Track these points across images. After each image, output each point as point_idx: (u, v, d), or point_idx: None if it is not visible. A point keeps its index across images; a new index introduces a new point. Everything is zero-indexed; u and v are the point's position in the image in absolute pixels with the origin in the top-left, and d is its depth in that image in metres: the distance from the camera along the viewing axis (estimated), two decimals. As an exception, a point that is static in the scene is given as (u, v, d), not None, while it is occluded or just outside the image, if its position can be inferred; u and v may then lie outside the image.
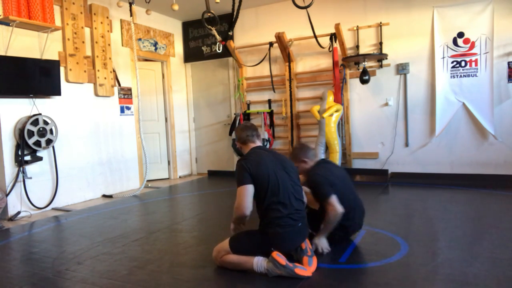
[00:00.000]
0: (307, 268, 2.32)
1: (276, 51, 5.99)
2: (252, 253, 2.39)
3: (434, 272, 2.31)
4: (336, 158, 5.36)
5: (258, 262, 2.34)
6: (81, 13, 4.95)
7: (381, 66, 5.47)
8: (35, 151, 4.40)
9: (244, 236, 2.48)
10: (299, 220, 2.43)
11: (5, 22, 4.07)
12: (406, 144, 5.44)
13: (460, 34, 5.01)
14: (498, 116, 4.89)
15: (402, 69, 5.35)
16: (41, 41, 4.50)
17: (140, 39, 6.01)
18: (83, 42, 4.99)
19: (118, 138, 5.57)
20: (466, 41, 4.98)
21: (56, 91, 4.52)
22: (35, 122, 4.30)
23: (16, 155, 4.23)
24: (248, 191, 2.40)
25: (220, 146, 6.86)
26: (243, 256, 2.40)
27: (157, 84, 6.58)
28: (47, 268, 2.67)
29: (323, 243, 2.67)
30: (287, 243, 2.39)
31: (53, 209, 4.59)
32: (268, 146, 5.89)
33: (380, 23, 5.41)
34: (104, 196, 5.27)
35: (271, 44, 5.94)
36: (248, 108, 6.39)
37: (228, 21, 6.22)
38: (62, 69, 4.72)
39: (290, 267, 2.26)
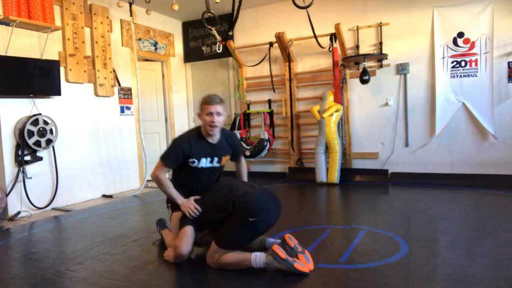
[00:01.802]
0: (305, 265, 2.32)
1: (276, 51, 5.98)
2: (241, 240, 2.41)
3: (434, 272, 2.31)
4: (336, 158, 5.37)
5: (256, 258, 2.34)
6: (81, 13, 4.95)
7: (381, 66, 5.47)
8: (35, 151, 4.40)
9: (224, 228, 2.45)
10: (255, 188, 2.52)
11: (5, 22, 4.07)
12: (406, 144, 5.44)
13: (460, 34, 5.01)
14: (498, 116, 4.89)
15: (402, 69, 5.35)
16: (41, 41, 4.50)
17: (140, 39, 6.01)
18: (83, 42, 4.99)
19: (118, 138, 5.57)
20: (466, 41, 4.98)
21: (56, 91, 4.52)
22: (35, 122, 4.30)
23: (16, 155, 4.23)
24: (189, 233, 2.56)
25: (220, 146, 6.86)
26: (239, 254, 2.39)
27: (157, 84, 6.58)
28: (47, 268, 2.67)
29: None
30: (261, 205, 2.39)
31: (53, 209, 4.59)
32: (268, 146, 5.89)
33: (380, 23, 5.41)
34: (104, 196, 5.27)
35: (271, 44, 5.94)
36: (248, 108, 6.39)
37: (228, 21, 6.22)
38: (62, 69, 4.72)
39: (290, 261, 2.26)
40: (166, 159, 2.66)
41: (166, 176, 2.73)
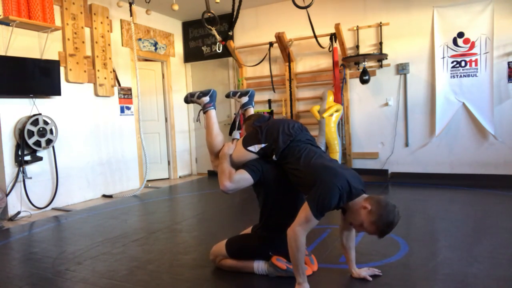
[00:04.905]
0: (309, 267, 2.31)
1: (276, 51, 5.98)
2: (251, 257, 2.36)
3: (434, 272, 2.31)
4: (336, 158, 5.36)
5: (259, 266, 2.33)
6: (81, 13, 4.95)
7: (381, 66, 5.47)
8: (35, 151, 4.40)
9: (241, 241, 2.43)
10: None
11: (5, 22, 4.07)
12: (406, 144, 5.44)
13: (460, 34, 5.01)
14: (498, 116, 4.89)
15: (402, 69, 5.35)
16: (41, 41, 4.50)
17: (140, 39, 6.01)
18: (83, 42, 4.99)
19: (118, 138, 5.57)
20: (466, 41, 4.98)
21: (56, 91, 4.52)
22: (35, 122, 4.30)
23: (16, 155, 4.23)
24: (247, 180, 2.26)
25: (220, 146, 6.85)
26: (241, 261, 2.37)
27: (157, 84, 6.58)
28: (47, 268, 2.67)
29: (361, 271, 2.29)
30: (286, 246, 2.27)
31: (53, 209, 4.59)
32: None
33: (380, 23, 5.41)
34: (104, 196, 5.27)
35: (271, 44, 5.94)
36: (248, 108, 6.38)
37: (228, 21, 6.22)
38: (62, 69, 4.72)
39: (291, 270, 2.23)
40: (322, 213, 1.97)
41: None
